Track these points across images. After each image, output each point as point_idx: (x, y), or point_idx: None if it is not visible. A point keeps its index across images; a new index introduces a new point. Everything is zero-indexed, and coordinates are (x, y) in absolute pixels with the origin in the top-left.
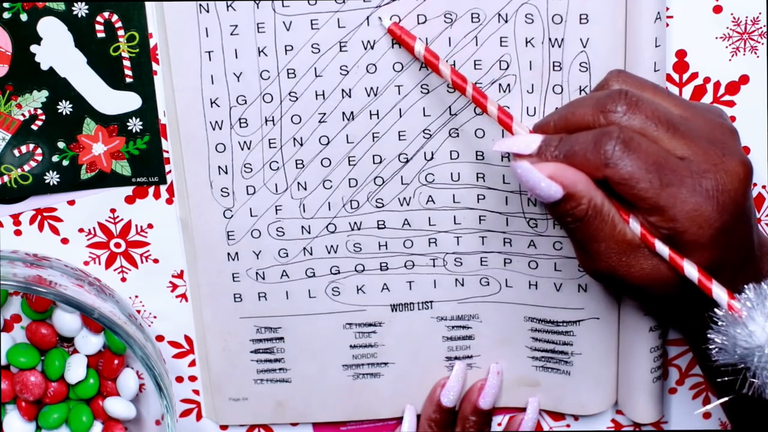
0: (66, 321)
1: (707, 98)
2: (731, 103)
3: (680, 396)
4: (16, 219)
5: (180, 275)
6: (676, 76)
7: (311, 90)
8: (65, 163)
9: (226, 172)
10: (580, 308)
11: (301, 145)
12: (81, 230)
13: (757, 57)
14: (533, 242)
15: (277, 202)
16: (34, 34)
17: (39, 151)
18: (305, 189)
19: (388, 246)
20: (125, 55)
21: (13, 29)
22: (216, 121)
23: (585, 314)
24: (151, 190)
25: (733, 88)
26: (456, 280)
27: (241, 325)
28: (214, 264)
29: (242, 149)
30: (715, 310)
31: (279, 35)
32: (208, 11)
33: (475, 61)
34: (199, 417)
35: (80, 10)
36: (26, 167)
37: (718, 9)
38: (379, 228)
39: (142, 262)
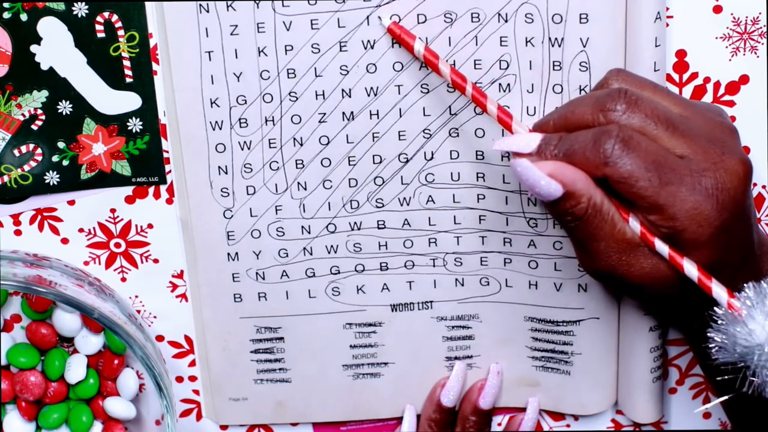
0: (66, 321)
1: (707, 98)
2: (731, 103)
3: (680, 396)
4: (16, 219)
5: (180, 275)
6: (676, 76)
7: (311, 90)
8: (65, 163)
9: (226, 172)
10: (580, 308)
11: (301, 145)
12: (81, 230)
13: (757, 57)
14: (533, 242)
15: (277, 202)
16: (34, 34)
17: (39, 151)
18: (305, 189)
19: (388, 246)
20: (125, 55)
21: (13, 29)
22: (216, 121)
23: (585, 314)
24: (151, 190)
25: (733, 88)
26: (456, 280)
27: (241, 325)
28: (214, 264)
29: (242, 149)
30: (715, 308)
31: (279, 35)
32: (208, 11)
33: (475, 60)
34: (199, 417)
35: (80, 10)
36: (26, 167)
37: (718, 9)
38: (379, 228)
39: (142, 262)
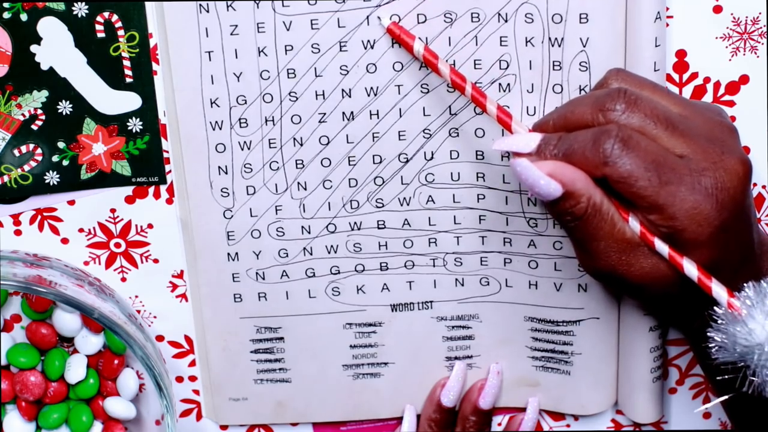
0: (66, 321)
1: (707, 98)
2: (731, 103)
3: (680, 396)
4: (16, 219)
5: (180, 275)
6: (676, 76)
7: (311, 90)
8: (65, 163)
9: (226, 173)
10: (580, 308)
11: (301, 145)
12: (81, 230)
13: (757, 57)
14: (533, 242)
15: (277, 203)
16: (34, 34)
17: (39, 151)
18: (305, 189)
19: (388, 246)
20: (125, 55)
21: (13, 29)
22: (216, 121)
23: (585, 314)
24: (151, 190)
25: (733, 88)
26: (456, 280)
27: (241, 325)
28: (214, 264)
29: (242, 149)
30: (715, 308)
31: (279, 35)
32: (208, 11)
33: (475, 60)
34: (199, 417)
35: (80, 10)
36: (26, 167)
37: (718, 9)
38: (379, 228)
39: (142, 262)
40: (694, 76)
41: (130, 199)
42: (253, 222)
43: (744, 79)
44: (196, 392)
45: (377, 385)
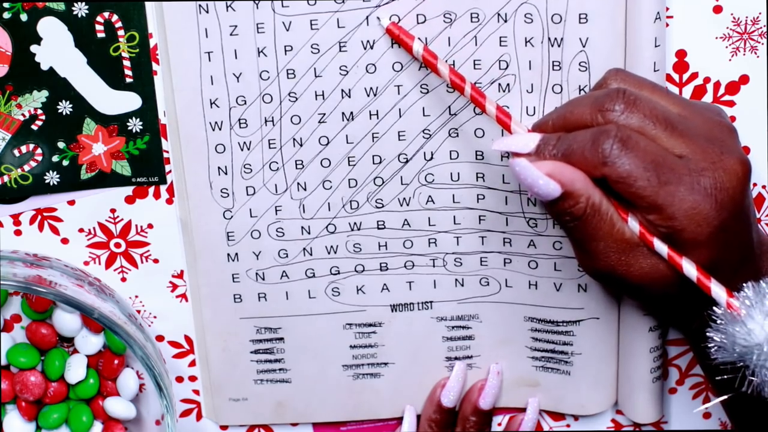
0: (66, 321)
1: (707, 98)
2: (731, 103)
3: (680, 396)
4: (16, 219)
5: (180, 275)
6: (676, 76)
7: (311, 90)
8: (65, 163)
9: (226, 173)
10: (580, 308)
11: (301, 145)
12: (81, 230)
13: (757, 57)
14: (533, 242)
15: (276, 203)
16: (34, 34)
17: (39, 151)
18: (305, 189)
19: (388, 246)
20: (125, 55)
21: (13, 29)
22: (216, 122)
23: (585, 314)
24: (151, 190)
25: (733, 88)
26: (456, 280)
27: (241, 326)
28: (214, 264)
29: (242, 150)
30: (714, 308)
31: (279, 35)
32: (207, 11)
33: (474, 60)
34: (199, 417)
35: (80, 10)
36: (26, 167)
37: (718, 9)
38: (378, 228)
39: (142, 262)
40: (694, 76)
41: (130, 199)
42: (253, 222)
43: (744, 79)
44: (196, 392)
45: (377, 385)
